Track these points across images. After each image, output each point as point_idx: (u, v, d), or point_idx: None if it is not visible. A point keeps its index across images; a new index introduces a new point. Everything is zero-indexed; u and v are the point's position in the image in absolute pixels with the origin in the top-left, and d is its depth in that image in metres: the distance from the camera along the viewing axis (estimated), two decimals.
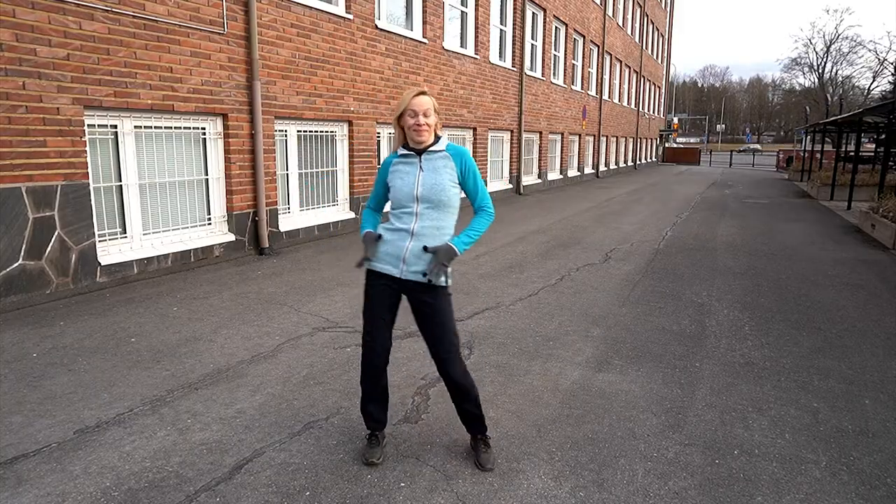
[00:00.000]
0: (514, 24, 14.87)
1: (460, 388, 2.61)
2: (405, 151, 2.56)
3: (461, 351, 2.66)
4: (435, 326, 2.55)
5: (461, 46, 12.61)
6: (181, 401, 3.28)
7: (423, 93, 2.49)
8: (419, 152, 2.54)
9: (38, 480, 2.52)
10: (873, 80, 57.40)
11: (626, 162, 29.43)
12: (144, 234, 6.25)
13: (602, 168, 24.27)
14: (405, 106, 2.48)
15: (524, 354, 4.06)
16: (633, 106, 30.41)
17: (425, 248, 2.49)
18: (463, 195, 2.63)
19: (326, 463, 2.69)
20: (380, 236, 2.56)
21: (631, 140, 30.24)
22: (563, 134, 19.13)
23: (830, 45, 63.44)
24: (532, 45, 16.45)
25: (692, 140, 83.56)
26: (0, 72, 4.77)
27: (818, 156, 21.40)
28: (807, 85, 70.31)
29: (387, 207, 2.73)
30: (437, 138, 2.58)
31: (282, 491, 2.47)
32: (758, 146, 60.63)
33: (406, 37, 10.19)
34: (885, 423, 3.14)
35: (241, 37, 6.93)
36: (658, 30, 37.02)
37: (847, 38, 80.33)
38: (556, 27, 18.20)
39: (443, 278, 2.50)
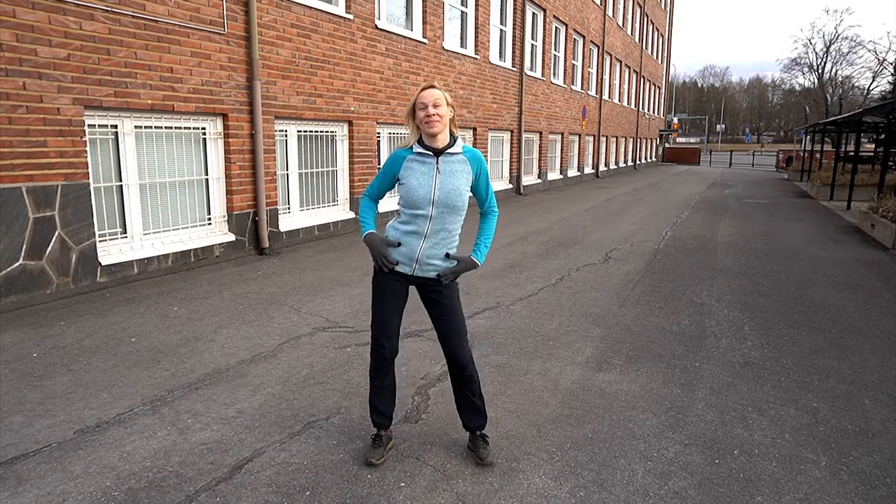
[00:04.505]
0: (514, 25, 14.87)
1: (466, 372, 2.68)
2: (421, 150, 2.54)
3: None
4: (446, 312, 2.64)
5: (461, 46, 12.61)
6: (181, 401, 3.28)
7: (432, 86, 2.50)
8: (436, 153, 2.52)
9: (39, 480, 2.52)
10: (873, 80, 57.51)
11: (625, 162, 29.43)
12: (145, 234, 6.26)
13: (602, 168, 24.27)
14: (415, 100, 2.49)
15: (524, 354, 4.06)
16: (633, 106, 30.41)
17: (447, 255, 2.57)
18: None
19: (326, 463, 2.69)
20: (399, 243, 2.56)
21: (631, 140, 30.24)
22: (563, 134, 19.14)
23: (830, 46, 63.55)
24: (532, 45, 16.45)
25: (692, 140, 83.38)
26: (0, 72, 4.77)
27: (818, 156, 21.40)
28: (807, 85, 70.42)
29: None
30: (454, 139, 2.58)
31: (282, 491, 2.47)
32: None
33: (406, 37, 10.19)
34: (885, 423, 3.15)
35: (241, 37, 6.94)
36: (658, 30, 37.02)
37: (847, 38, 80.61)
38: (556, 27, 18.21)
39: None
